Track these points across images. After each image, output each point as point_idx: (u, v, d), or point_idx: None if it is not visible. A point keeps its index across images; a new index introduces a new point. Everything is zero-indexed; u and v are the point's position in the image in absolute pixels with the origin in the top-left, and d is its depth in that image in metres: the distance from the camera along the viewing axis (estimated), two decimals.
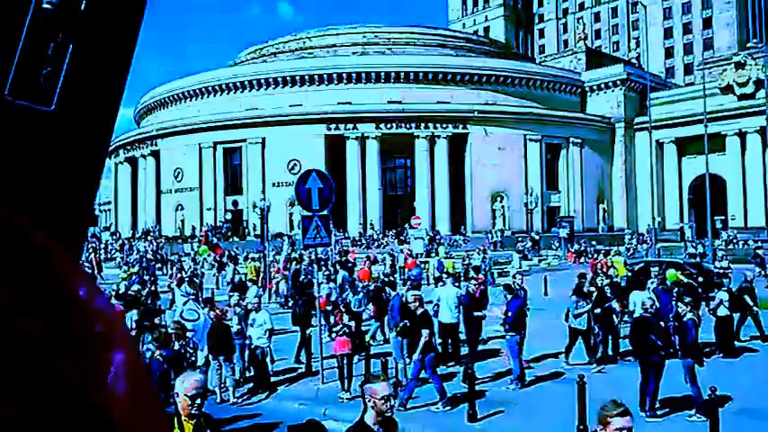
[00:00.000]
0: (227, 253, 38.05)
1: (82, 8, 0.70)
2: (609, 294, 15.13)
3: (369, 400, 4.39)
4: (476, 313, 13.14)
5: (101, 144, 0.74)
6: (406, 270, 29.28)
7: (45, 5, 0.68)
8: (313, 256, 18.65)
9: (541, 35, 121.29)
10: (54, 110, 0.70)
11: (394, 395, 4.33)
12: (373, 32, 72.97)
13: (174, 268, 31.65)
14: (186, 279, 20.43)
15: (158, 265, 36.73)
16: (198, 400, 4.55)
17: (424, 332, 10.95)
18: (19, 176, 0.66)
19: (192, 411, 4.53)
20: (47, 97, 0.70)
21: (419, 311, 11.47)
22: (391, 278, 22.83)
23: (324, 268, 19.34)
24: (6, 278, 0.50)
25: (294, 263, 28.55)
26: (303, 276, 23.45)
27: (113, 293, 16.94)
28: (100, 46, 0.72)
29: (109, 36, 0.72)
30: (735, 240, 50.88)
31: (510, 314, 12.61)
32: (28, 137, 0.68)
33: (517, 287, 14.08)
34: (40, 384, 0.50)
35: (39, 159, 0.68)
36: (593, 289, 14.59)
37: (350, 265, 25.86)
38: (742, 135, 60.97)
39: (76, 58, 0.71)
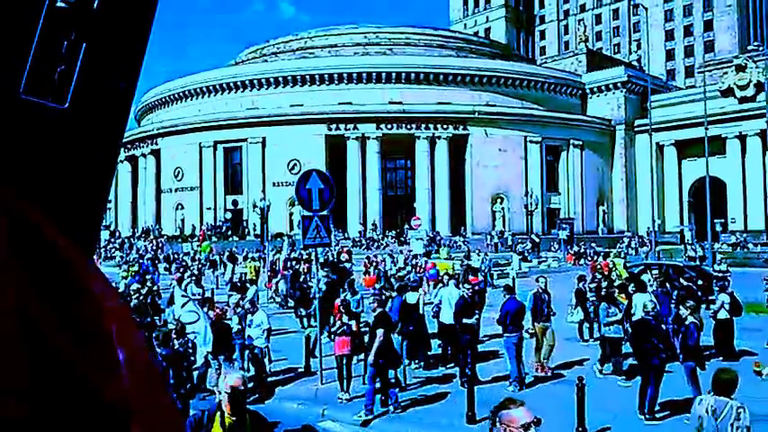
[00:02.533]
0: (226, 252, 38.07)
1: (94, 7, 0.71)
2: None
3: (504, 430, 3.75)
4: (465, 320, 12.99)
5: (113, 141, 0.75)
6: (409, 271, 29.26)
7: (59, 5, 0.69)
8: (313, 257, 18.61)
9: (542, 37, 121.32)
10: (68, 107, 0.71)
11: (536, 421, 3.82)
12: (374, 33, 72.96)
13: (175, 267, 31.63)
14: (193, 279, 20.42)
15: (164, 264, 36.77)
16: (240, 397, 4.70)
17: (379, 332, 10.79)
18: (33, 173, 0.67)
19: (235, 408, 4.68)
20: (61, 95, 0.71)
21: (377, 311, 11.34)
22: (392, 279, 22.79)
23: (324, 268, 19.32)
24: (26, 277, 0.50)
25: (295, 263, 28.53)
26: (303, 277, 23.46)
27: None
28: (112, 44, 0.73)
29: (121, 35, 0.73)
30: (743, 244, 50.79)
31: (500, 314, 12.64)
32: (42, 134, 0.69)
33: (540, 290, 13.92)
34: (62, 384, 0.50)
35: (53, 156, 0.69)
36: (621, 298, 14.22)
37: (342, 266, 25.78)
38: (742, 138, 60.98)
39: (90, 57, 0.72)
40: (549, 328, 13.60)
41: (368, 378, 10.80)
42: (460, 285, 15.06)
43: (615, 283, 17.49)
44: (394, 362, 11.29)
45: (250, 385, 12.48)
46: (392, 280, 22.31)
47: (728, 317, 14.98)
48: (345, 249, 37.50)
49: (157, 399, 0.57)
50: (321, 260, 24.95)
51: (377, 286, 22.04)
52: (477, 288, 16.47)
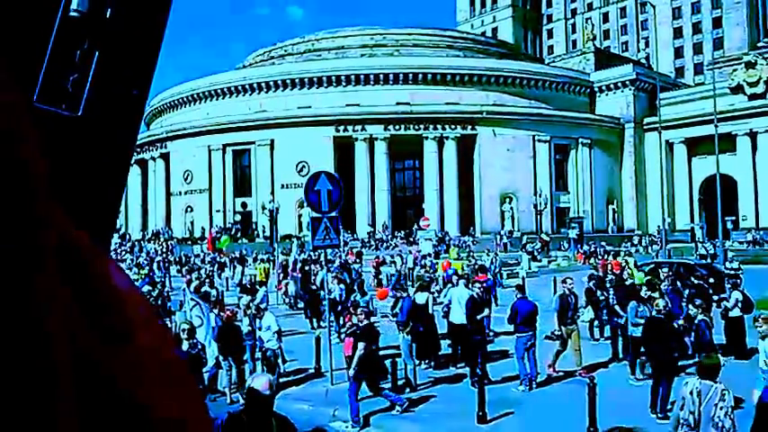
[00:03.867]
0: (232, 254, 38.21)
1: (107, 16, 0.73)
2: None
3: None
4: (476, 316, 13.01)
5: (126, 148, 0.76)
6: (417, 270, 29.26)
7: (72, 14, 0.70)
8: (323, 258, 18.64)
9: (550, 36, 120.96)
10: (81, 115, 0.72)
11: None
12: (381, 34, 72.96)
13: (185, 270, 31.73)
14: (206, 281, 20.49)
15: (177, 267, 36.95)
16: (263, 400, 4.72)
17: (360, 345, 10.50)
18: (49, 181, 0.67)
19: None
20: (74, 103, 0.72)
21: (363, 324, 10.97)
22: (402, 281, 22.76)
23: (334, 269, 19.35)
24: (65, 284, 0.49)
25: (305, 264, 28.56)
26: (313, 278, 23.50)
27: None
28: (125, 53, 0.74)
29: (133, 43, 0.75)
30: (760, 241, 50.31)
31: (510, 313, 12.61)
32: (56, 142, 0.70)
33: (567, 292, 13.64)
34: (92, 388, 0.49)
35: (67, 163, 0.70)
36: (655, 295, 13.86)
37: (349, 265, 25.79)
38: (753, 135, 60.53)
39: (102, 65, 0.73)
40: (575, 331, 13.42)
41: (349, 392, 10.47)
42: (470, 285, 15.03)
43: (626, 282, 17.42)
44: (378, 375, 10.88)
45: None
46: (406, 282, 22.28)
47: (741, 315, 14.86)
48: (352, 251, 37.53)
49: (183, 397, 0.56)
50: (336, 263, 25.00)
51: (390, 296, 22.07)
52: (486, 286, 16.41)
